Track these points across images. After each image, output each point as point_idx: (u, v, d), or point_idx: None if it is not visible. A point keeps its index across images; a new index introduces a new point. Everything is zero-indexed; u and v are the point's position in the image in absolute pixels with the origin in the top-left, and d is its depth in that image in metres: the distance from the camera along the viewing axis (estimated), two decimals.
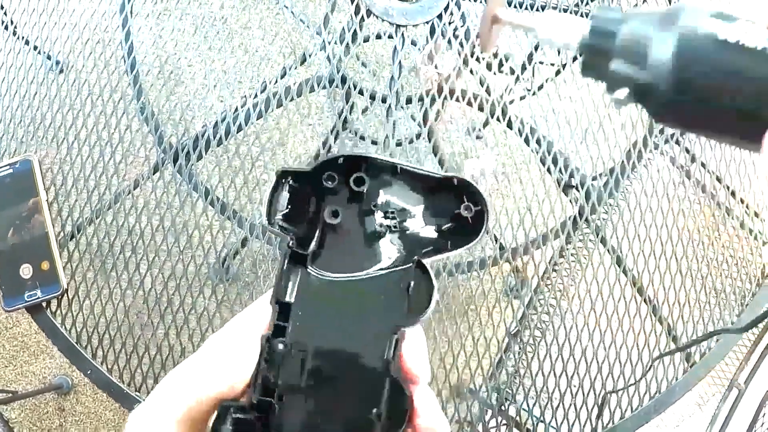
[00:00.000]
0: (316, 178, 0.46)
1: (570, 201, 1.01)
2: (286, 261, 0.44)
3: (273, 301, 0.42)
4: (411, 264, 0.45)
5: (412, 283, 0.44)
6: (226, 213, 0.97)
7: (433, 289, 0.43)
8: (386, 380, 0.41)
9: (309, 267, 0.45)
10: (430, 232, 0.48)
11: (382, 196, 0.47)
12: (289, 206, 0.45)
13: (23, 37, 1.04)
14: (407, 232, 0.47)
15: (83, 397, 1.91)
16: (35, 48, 1.04)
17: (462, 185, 0.47)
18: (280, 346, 0.41)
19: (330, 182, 0.46)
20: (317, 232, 0.46)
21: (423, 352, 0.43)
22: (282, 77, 1.02)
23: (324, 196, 0.47)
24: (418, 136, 1.00)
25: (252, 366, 0.41)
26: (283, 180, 0.46)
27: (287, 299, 0.43)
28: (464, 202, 0.47)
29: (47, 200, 0.97)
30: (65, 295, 0.95)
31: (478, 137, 1.15)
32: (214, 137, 0.97)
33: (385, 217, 0.47)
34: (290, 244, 0.44)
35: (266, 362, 0.41)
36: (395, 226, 0.47)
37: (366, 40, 1.06)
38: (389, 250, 0.47)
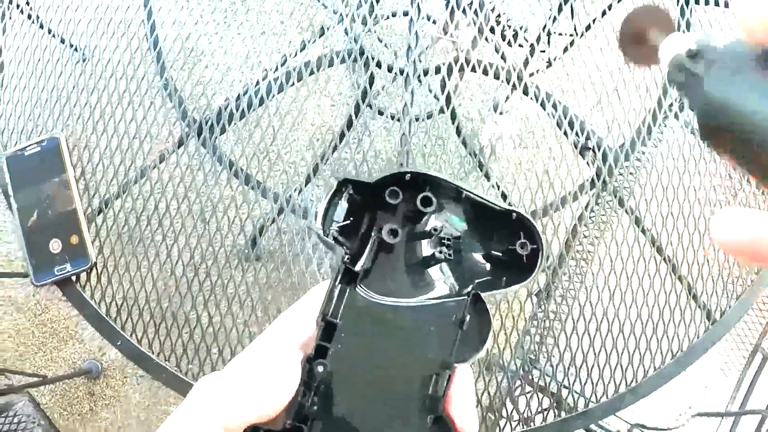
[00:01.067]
0: (376, 191, 0.44)
1: (587, 163, 1.02)
2: (339, 277, 0.41)
3: (320, 319, 0.39)
4: (465, 296, 0.42)
5: (468, 318, 0.41)
6: (250, 183, 0.99)
7: (490, 326, 0.41)
8: (429, 417, 0.39)
9: (358, 286, 0.42)
10: (484, 264, 0.46)
11: (438, 221, 0.45)
12: (347, 218, 0.43)
13: (50, 30, 1.07)
14: (461, 261, 0.45)
15: (112, 381, 1.94)
16: (62, 41, 1.06)
17: (519, 220, 0.45)
18: (320, 369, 0.38)
19: (393, 198, 0.44)
20: (368, 249, 0.43)
21: (473, 400, 0.41)
22: (301, 50, 1.04)
23: (377, 212, 0.44)
24: (441, 111, 1.02)
25: (289, 389, 0.37)
26: (343, 189, 0.43)
27: (333, 318, 0.40)
28: (520, 239, 0.45)
29: (75, 176, 0.99)
30: (94, 268, 0.97)
31: (495, 107, 1.16)
32: (237, 110, 0.99)
33: (441, 243, 0.44)
34: (345, 259, 0.41)
35: (304, 385, 0.38)
36: (450, 254, 0.44)
37: (386, 17, 1.07)
38: (441, 278, 0.44)
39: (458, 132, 1.06)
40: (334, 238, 0.42)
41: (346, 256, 0.41)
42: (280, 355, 0.39)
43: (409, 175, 0.44)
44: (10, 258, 1.97)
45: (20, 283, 1.87)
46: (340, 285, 0.41)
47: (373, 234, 0.44)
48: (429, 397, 0.39)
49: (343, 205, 0.43)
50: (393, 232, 0.43)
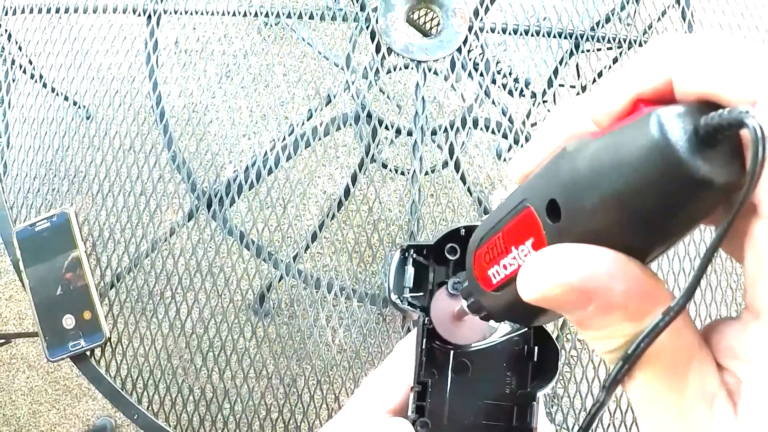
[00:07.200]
0: (436, 249, 0.47)
1: None
2: (424, 341, 0.43)
3: (416, 384, 0.42)
4: (527, 329, 0.44)
5: (536, 348, 0.44)
6: (262, 255, 0.99)
7: (558, 352, 0.43)
8: None
9: (435, 342, 0.44)
10: None
11: None
12: (416, 281, 0.46)
13: (53, 89, 1.07)
14: None
15: None
16: (66, 99, 1.06)
17: None
18: (423, 430, 0.42)
19: (452, 255, 0.46)
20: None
21: (550, 425, 0.43)
22: (308, 119, 1.04)
23: (438, 267, 0.47)
24: (445, 164, 1.02)
25: None
26: (406, 255, 0.46)
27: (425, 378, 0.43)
28: None
29: (86, 251, 0.99)
30: (108, 342, 0.97)
31: (498, 155, 1.16)
32: (246, 181, 0.99)
33: None
34: (426, 321, 0.44)
35: None
36: None
37: (388, 72, 1.07)
38: None
39: (469, 191, 1.06)
40: (409, 303, 0.45)
41: (426, 319, 0.44)
42: (389, 425, 0.41)
43: (464, 230, 0.46)
44: (21, 317, 1.98)
45: (31, 341, 1.87)
46: (426, 347, 0.43)
47: (438, 287, 0.46)
48: (516, 429, 0.42)
49: (410, 271, 0.46)
50: (456, 286, 0.45)
